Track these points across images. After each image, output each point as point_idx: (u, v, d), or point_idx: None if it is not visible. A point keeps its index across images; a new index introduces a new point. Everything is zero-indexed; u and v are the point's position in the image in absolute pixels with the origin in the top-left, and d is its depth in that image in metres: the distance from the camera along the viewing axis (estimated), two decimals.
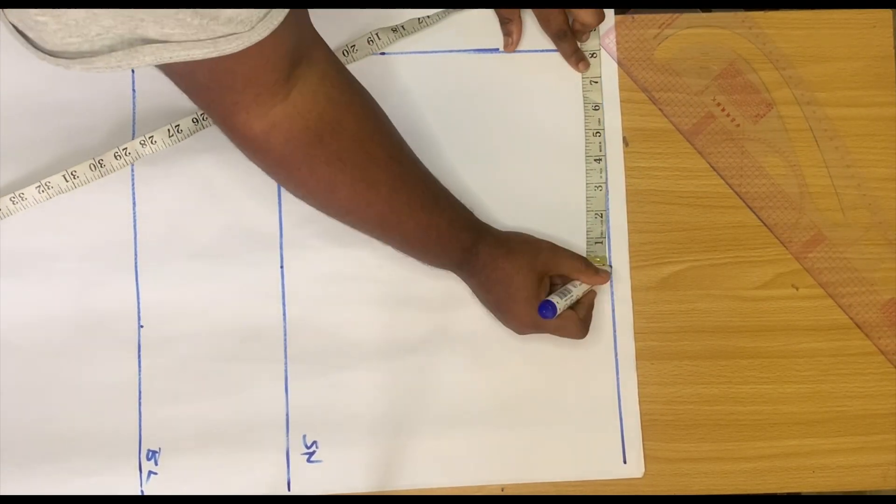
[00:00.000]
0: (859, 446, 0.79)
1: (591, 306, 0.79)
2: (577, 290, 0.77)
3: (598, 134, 0.81)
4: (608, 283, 0.79)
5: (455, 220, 0.74)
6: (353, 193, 0.68)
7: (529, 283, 0.75)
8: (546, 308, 0.73)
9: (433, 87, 0.81)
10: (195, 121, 0.78)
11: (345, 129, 0.65)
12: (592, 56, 0.82)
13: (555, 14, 0.80)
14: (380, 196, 0.69)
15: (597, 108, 0.81)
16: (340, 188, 0.67)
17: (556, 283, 0.78)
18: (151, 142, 0.78)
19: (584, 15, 0.79)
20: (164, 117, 0.79)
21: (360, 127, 0.66)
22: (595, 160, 0.80)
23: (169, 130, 0.78)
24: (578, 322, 0.77)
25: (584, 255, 0.80)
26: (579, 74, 0.82)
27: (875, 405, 0.79)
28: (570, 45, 0.81)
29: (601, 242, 0.80)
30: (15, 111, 0.79)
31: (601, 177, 0.80)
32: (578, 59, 0.81)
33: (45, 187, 0.76)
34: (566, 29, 0.80)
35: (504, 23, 0.82)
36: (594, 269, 0.78)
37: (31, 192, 0.76)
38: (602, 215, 0.80)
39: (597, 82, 0.82)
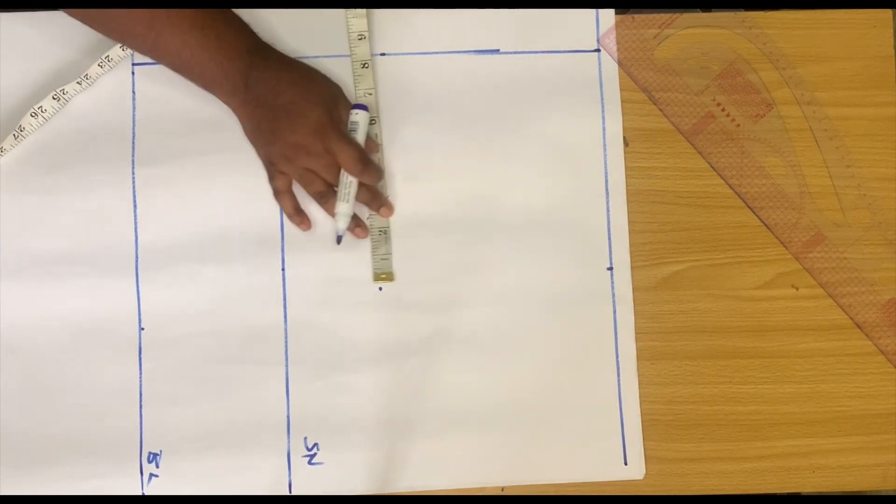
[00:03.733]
0: (859, 446, 0.79)
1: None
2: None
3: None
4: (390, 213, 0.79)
5: (226, 37, 0.73)
6: None
7: (326, 117, 0.74)
8: None
9: (433, 88, 0.81)
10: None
11: None
12: None
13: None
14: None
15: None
16: None
17: None
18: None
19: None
20: (163, 119, 0.79)
21: None
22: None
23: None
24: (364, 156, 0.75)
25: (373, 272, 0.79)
26: (579, 78, 0.81)
27: (875, 405, 0.80)
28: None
29: (386, 259, 0.79)
30: (15, 112, 0.79)
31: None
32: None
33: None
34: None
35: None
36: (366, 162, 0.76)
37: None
38: (385, 232, 0.79)
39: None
